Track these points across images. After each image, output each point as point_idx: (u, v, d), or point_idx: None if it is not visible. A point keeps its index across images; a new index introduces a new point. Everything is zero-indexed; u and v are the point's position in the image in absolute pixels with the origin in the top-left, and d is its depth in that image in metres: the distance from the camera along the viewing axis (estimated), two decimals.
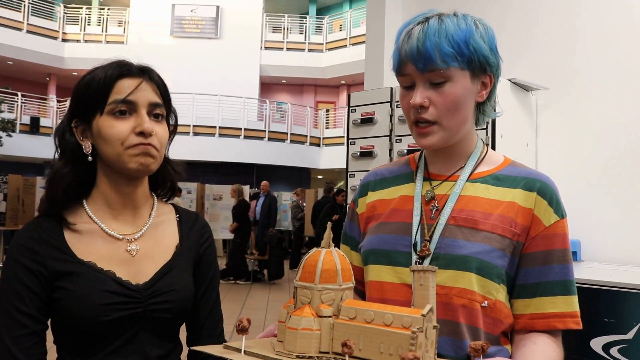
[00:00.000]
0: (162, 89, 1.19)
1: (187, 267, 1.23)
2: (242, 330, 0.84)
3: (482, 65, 1.08)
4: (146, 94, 1.15)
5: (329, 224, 0.91)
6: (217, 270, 1.33)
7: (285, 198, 12.46)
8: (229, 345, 0.86)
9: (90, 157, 1.15)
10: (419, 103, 1.07)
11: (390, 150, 2.74)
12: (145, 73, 1.16)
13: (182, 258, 1.22)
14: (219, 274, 1.35)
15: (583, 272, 2.07)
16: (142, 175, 1.20)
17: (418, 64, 1.05)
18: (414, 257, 1.08)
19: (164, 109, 1.18)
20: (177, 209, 1.31)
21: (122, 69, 1.14)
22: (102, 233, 1.16)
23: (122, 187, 1.18)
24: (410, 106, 1.08)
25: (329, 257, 0.86)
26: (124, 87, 1.13)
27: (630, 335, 1.74)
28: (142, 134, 1.12)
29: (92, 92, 1.12)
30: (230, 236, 10.05)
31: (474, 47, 1.05)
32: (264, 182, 11.03)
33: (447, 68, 1.04)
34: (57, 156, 1.18)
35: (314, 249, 0.89)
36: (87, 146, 1.15)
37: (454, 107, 1.07)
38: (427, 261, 1.07)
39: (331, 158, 17.93)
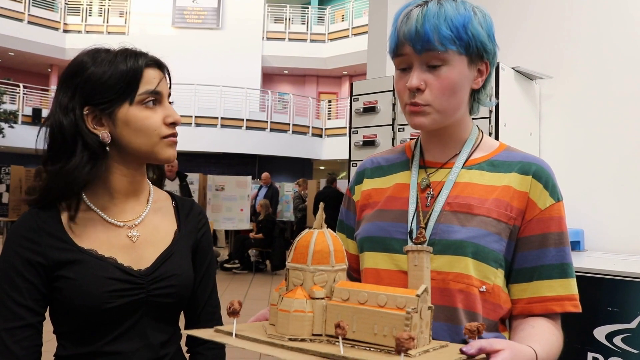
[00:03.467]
0: (170, 81, 1.20)
1: (186, 252, 1.23)
2: (233, 312, 0.82)
3: (479, 52, 1.07)
4: (166, 85, 1.17)
5: (321, 205, 0.89)
6: (214, 257, 1.34)
7: (287, 189, 12.44)
8: (220, 329, 0.84)
9: (108, 147, 1.12)
10: (415, 85, 1.05)
11: (393, 139, 2.73)
12: (162, 65, 1.18)
13: (181, 243, 1.22)
14: (215, 260, 1.36)
15: (586, 261, 2.06)
16: (164, 164, 1.22)
17: (416, 45, 1.04)
18: (410, 244, 1.07)
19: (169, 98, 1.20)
20: (173, 196, 1.31)
21: (147, 59, 1.14)
22: (102, 221, 1.15)
23: (133, 175, 1.18)
24: (406, 88, 1.07)
25: (322, 238, 0.85)
26: (152, 77, 1.13)
27: (633, 324, 1.73)
28: (173, 124, 1.15)
29: (119, 80, 1.10)
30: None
31: (472, 33, 1.05)
32: (264, 174, 11.02)
33: (445, 51, 1.03)
34: (51, 145, 1.11)
35: (306, 230, 0.87)
36: (105, 135, 1.11)
37: (450, 91, 1.06)
38: None
39: (333, 149, 17.92)
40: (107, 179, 1.16)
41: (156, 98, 1.14)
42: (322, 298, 0.82)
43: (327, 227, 0.88)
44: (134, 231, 1.17)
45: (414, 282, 0.83)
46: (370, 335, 0.77)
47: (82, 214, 1.14)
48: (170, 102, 1.19)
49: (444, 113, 1.08)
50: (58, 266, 1.09)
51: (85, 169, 1.10)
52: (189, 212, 1.29)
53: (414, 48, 1.04)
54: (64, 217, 1.13)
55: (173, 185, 7.38)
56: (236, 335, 0.82)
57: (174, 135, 1.16)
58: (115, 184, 1.16)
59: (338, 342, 0.76)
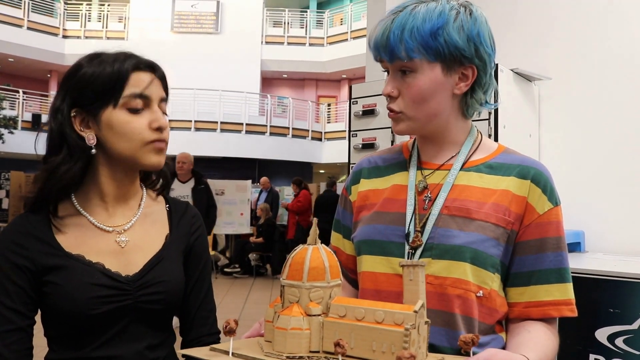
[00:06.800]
0: (166, 85, 1.18)
1: (177, 257, 1.21)
2: (229, 332, 0.81)
3: (455, 58, 1.05)
4: (157, 90, 1.14)
5: (315, 220, 0.89)
6: (209, 260, 1.32)
7: (288, 192, 12.44)
8: (216, 347, 0.84)
9: (94, 150, 1.12)
10: (387, 93, 1.10)
11: (392, 141, 2.73)
12: (155, 69, 1.15)
13: (172, 248, 1.21)
14: (210, 263, 1.34)
15: (587, 262, 2.06)
16: (151, 170, 1.19)
17: (383, 55, 1.08)
18: (407, 248, 1.07)
19: (166, 103, 1.18)
20: (167, 200, 1.29)
21: (136, 61, 1.12)
22: (91, 226, 1.15)
23: (121, 179, 1.17)
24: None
25: (316, 254, 0.84)
26: (140, 80, 1.11)
27: (635, 325, 1.73)
28: (159, 129, 1.11)
29: (104, 82, 1.09)
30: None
31: (445, 39, 1.03)
32: (263, 179, 11.01)
33: (411, 60, 1.05)
34: (47, 147, 1.13)
35: (300, 246, 0.86)
36: (90, 137, 1.11)
37: (419, 99, 1.07)
38: (419, 251, 1.06)
39: (333, 152, 17.92)
40: (96, 182, 1.16)
41: (143, 102, 1.11)
42: (319, 315, 0.81)
43: (322, 243, 0.88)
44: (122, 236, 1.16)
45: (409, 296, 0.83)
46: (369, 352, 0.77)
47: (72, 219, 1.14)
48: (163, 108, 1.16)
49: (417, 120, 1.10)
50: (45, 271, 1.09)
51: (71, 171, 1.10)
52: (182, 215, 1.27)
53: (382, 57, 1.09)
54: (54, 221, 1.13)
55: (184, 189, 6.08)
56: (233, 354, 0.81)
57: (160, 140, 1.12)
58: (104, 187, 1.16)
59: (336, 359, 0.76)
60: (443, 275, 1.04)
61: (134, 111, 1.10)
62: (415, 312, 0.77)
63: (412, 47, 1.03)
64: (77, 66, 1.13)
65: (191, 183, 5.99)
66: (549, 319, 1.07)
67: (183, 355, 1.25)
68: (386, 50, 1.06)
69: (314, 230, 0.87)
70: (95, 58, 1.13)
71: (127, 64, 1.10)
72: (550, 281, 1.07)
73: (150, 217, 1.22)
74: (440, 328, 1.03)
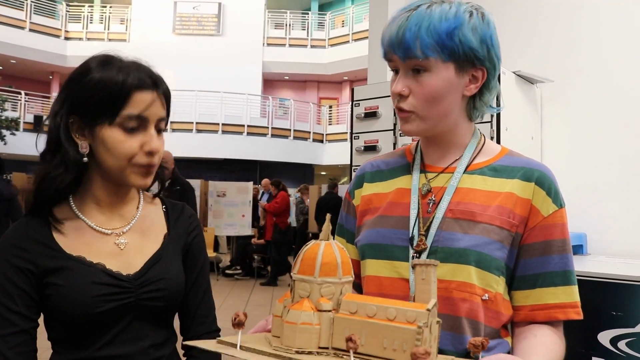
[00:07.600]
0: (167, 100, 1.17)
1: (176, 255, 1.23)
2: (238, 324, 0.80)
3: (468, 58, 1.05)
4: (157, 110, 1.13)
5: (328, 216, 0.88)
6: (207, 259, 1.33)
7: (289, 194, 12.45)
8: (223, 340, 0.82)
9: (86, 158, 1.12)
10: (398, 91, 1.07)
11: (395, 144, 2.73)
12: (159, 86, 1.13)
13: (171, 247, 1.22)
14: (208, 262, 1.35)
15: (589, 265, 2.05)
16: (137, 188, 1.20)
17: (397, 52, 1.05)
18: (411, 252, 1.07)
19: (165, 121, 1.17)
20: (164, 201, 1.31)
21: (139, 79, 1.10)
22: (90, 229, 1.16)
23: (114, 190, 1.18)
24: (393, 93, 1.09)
25: (329, 249, 0.83)
26: (140, 100, 1.09)
27: (638, 328, 1.72)
28: (150, 153, 1.11)
29: (105, 96, 1.08)
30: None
31: (460, 39, 1.02)
32: (264, 180, 11.04)
33: (426, 58, 1.03)
34: (45, 147, 1.13)
35: (313, 241, 0.86)
36: (84, 146, 1.11)
37: (432, 99, 1.06)
38: (424, 255, 1.05)
39: (334, 154, 17.94)
40: (91, 189, 1.17)
41: (139, 124, 1.10)
42: (329, 310, 0.80)
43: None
44: (121, 239, 1.17)
45: (421, 296, 0.82)
46: (380, 349, 0.76)
47: (71, 222, 1.15)
48: (161, 127, 1.15)
49: (428, 120, 1.08)
50: (47, 273, 1.10)
51: (62, 177, 1.11)
52: (179, 215, 1.29)
53: (396, 55, 1.06)
54: (53, 225, 1.13)
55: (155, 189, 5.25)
56: (241, 347, 0.80)
57: (150, 165, 1.13)
58: (98, 195, 1.17)
59: (346, 355, 0.75)
60: (448, 278, 1.03)
61: (129, 130, 1.10)
62: (428, 310, 0.76)
63: (429, 45, 1.02)
64: (85, 69, 1.11)
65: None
66: (554, 322, 1.07)
67: (183, 347, 1.26)
68: (401, 47, 1.04)
69: (327, 226, 0.86)
70: (105, 64, 1.11)
71: (131, 80, 1.08)
72: (555, 284, 1.06)
73: (147, 219, 1.24)
74: (445, 332, 1.02)
